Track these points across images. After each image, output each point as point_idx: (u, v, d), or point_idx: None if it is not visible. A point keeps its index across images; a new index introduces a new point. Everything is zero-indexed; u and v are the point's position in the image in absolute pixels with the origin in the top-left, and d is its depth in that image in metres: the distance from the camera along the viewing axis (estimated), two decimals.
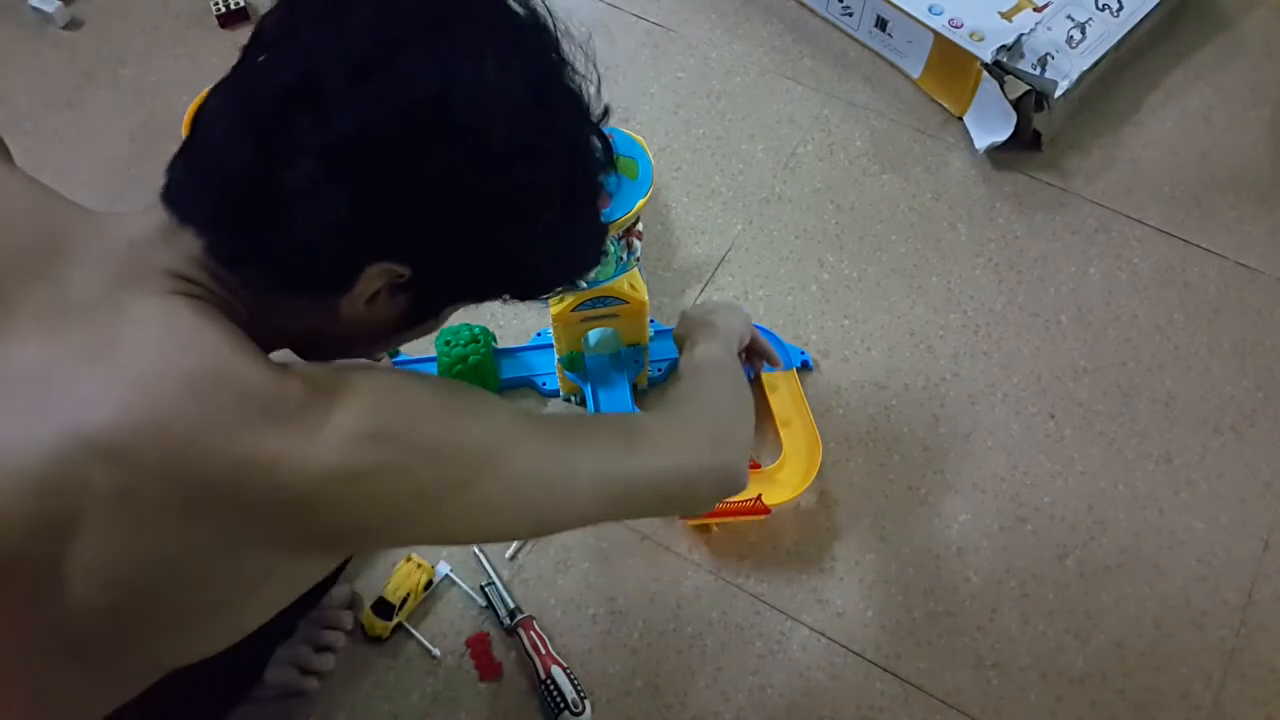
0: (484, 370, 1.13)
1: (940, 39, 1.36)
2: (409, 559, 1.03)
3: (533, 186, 0.58)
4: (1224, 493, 1.11)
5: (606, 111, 0.64)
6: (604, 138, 0.63)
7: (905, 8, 1.37)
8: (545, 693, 0.96)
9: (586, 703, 0.96)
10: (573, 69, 0.61)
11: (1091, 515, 1.09)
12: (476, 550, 1.06)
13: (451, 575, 1.05)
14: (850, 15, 1.47)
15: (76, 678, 0.57)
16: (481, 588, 1.04)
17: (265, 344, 0.60)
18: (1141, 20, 1.38)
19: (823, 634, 1.03)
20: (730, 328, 0.98)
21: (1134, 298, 1.25)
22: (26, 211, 0.60)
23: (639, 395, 1.16)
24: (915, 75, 1.43)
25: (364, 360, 0.71)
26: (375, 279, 0.58)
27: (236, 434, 0.53)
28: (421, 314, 0.64)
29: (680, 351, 0.98)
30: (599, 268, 0.94)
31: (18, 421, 0.52)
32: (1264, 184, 1.34)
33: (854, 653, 1.02)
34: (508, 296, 0.66)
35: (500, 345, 1.18)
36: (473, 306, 0.70)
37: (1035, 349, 1.21)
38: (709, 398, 0.85)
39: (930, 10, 1.37)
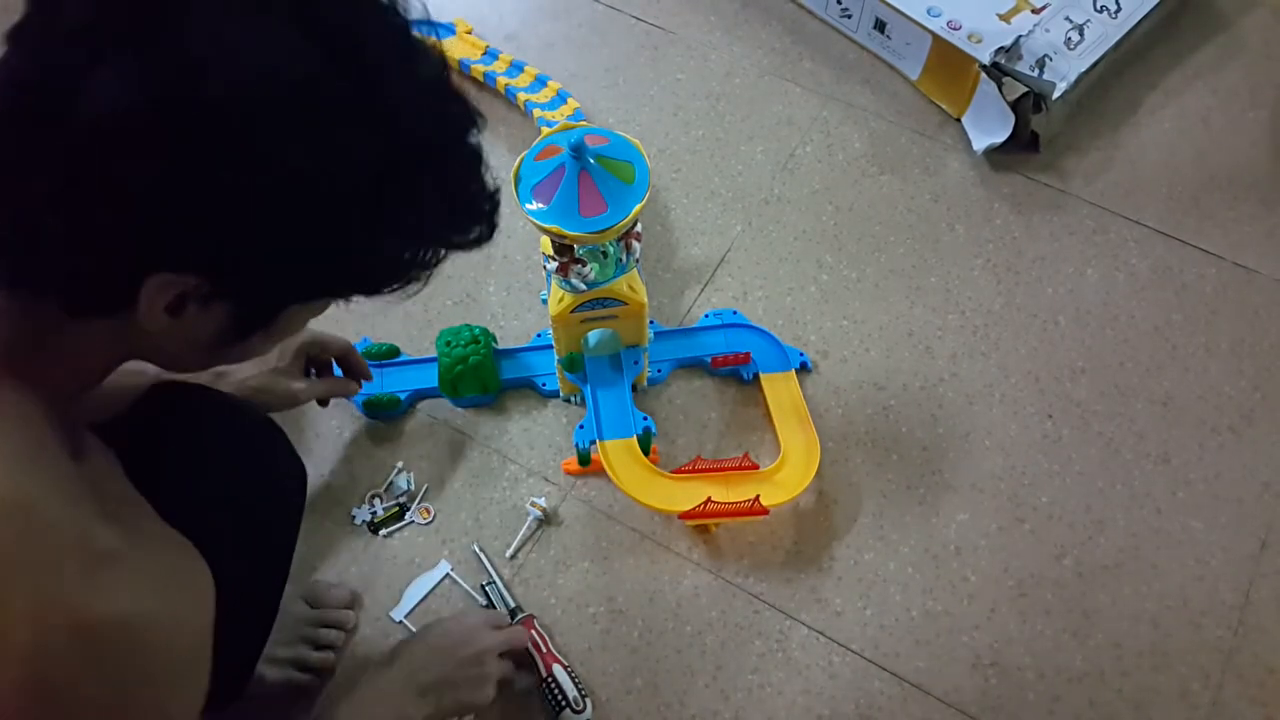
0: (484, 371, 1.13)
1: (938, 41, 1.36)
2: None
3: (319, 171, 0.49)
4: (1222, 493, 1.11)
5: (466, 104, 0.54)
6: (450, 92, 0.54)
7: (904, 9, 1.38)
8: (546, 691, 0.96)
9: (587, 701, 0.96)
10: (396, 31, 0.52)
11: (1089, 515, 1.10)
12: (476, 549, 1.07)
13: (452, 575, 1.06)
14: (849, 17, 1.48)
15: None
16: (482, 586, 1.04)
17: (92, 376, 0.57)
18: (1139, 22, 1.39)
19: (822, 633, 1.03)
20: (435, 686, 0.86)
21: (1132, 298, 1.25)
22: None
23: (638, 395, 1.17)
24: (914, 77, 1.44)
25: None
26: (159, 293, 0.51)
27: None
28: (253, 322, 0.57)
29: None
30: (599, 269, 0.95)
31: None
32: (1262, 185, 1.35)
33: (853, 652, 1.02)
34: (355, 296, 0.58)
35: (500, 346, 1.18)
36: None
37: (1033, 349, 1.21)
38: None
39: (929, 12, 1.37)
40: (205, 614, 0.56)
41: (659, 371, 1.18)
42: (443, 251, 0.59)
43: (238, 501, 0.73)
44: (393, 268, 0.58)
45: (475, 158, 0.57)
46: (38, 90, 0.46)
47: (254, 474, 0.79)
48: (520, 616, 1.01)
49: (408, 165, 0.52)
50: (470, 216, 0.58)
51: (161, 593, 0.52)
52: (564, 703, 0.95)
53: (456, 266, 1.27)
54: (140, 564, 0.52)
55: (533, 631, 1.00)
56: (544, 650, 0.98)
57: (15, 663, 0.47)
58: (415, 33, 0.52)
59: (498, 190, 0.59)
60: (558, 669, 0.97)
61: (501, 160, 1.38)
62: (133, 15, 0.46)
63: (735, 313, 1.22)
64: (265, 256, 0.52)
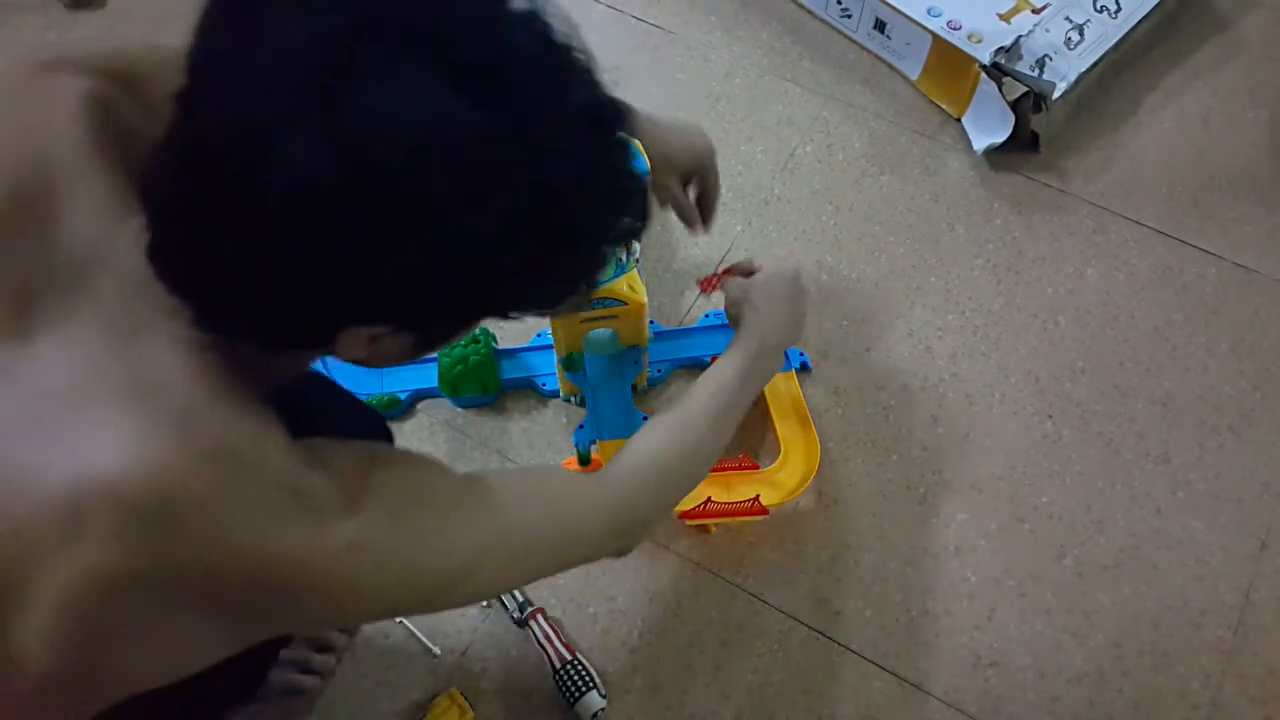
0: (484, 371, 1.13)
1: (939, 41, 1.36)
2: (451, 696, 0.98)
3: (491, 218, 0.50)
4: (1222, 493, 1.11)
5: (618, 113, 0.55)
6: (612, 141, 0.56)
7: (904, 9, 1.38)
8: (565, 678, 0.97)
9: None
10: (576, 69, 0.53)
11: (1089, 515, 1.10)
12: None
13: None
14: (849, 17, 1.48)
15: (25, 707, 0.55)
16: None
17: (284, 379, 0.60)
18: (1139, 22, 1.39)
19: (821, 633, 1.03)
20: (786, 331, 0.95)
21: (1132, 298, 1.25)
22: (76, 200, 0.56)
23: (638, 395, 1.17)
24: (914, 77, 1.44)
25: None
26: (355, 341, 0.55)
27: (246, 525, 0.52)
28: (431, 343, 0.61)
29: (733, 326, 0.96)
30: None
31: (20, 443, 0.51)
32: (1262, 185, 1.35)
33: (852, 651, 1.02)
34: (520, 314, 0.62)
35: (500, 346, 1.18)
36: None
37: (1033, 349, 1.21)
38: (662, 468, 0.81)
39: (929, 12, 1.37)
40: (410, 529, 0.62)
41: (659, 371, 1.18)
42: (602, 273, 0.65)
43: None
44: (562, 289, 0.62)
45: (631, 189, 0.60)
46: (229, 147, 0.47)
47: None
48: (530, 609, 1.01)
49: (573, 197, 0.54)
50: (624, 239, 0.62)
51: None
52: (589, 685, 0.96)
53: None
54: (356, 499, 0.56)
55: (545, 623, 1.00)
56: (558, 641, 0.99)
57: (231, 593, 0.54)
58: (562, 48, 0.52)
59: (647, 206, 0.62)
60: (580, 655, 0.98)
61: None
62: (305, 88, 0.46)
63: None
64: (450, 301, 0.55)
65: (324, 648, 0.99)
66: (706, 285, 1.05)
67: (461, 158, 0.48)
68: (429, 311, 0.55)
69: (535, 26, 0.52)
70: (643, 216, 0.62)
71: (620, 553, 0.81)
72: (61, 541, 0.49)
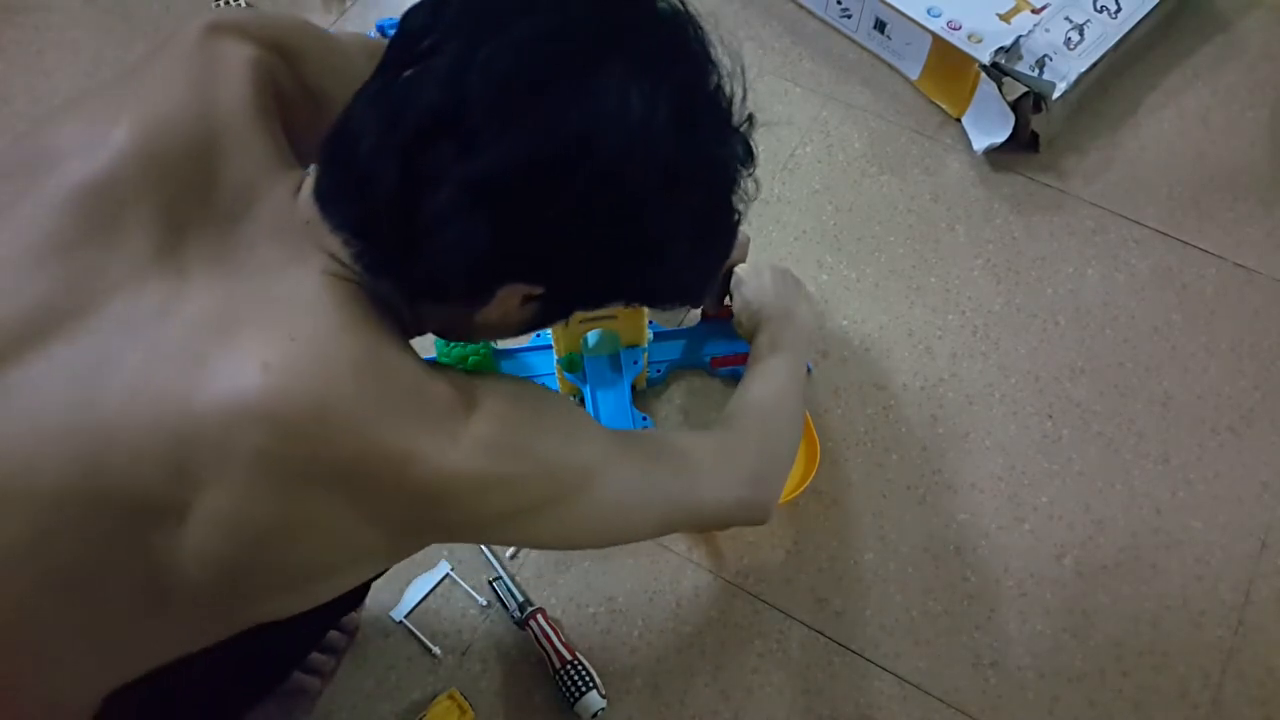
0: (483, 371, 1.13)
1: (938, 41, 1.36)
2: (451, 696, 0.98)
3: (670, 214, 0.59)
4: (1221, 493, 1.11)
5: (750, 120, 0.64)
6: (746, 143, 0.64)
7: (904, 9, 1.38)
8: (566, 677, 0.97)
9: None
10: (720, 83, 0.61)
11: (1089, 515, 1.10)
12: (483, 546, 1.07)
13: (452, 575, 1.06)
14: (849, 17, 1.48)
15: (151, 622, 0.58)
16: (490, 583, 1.04)
17: (408, 331, 0.64)
18: (1139, 22, 1.39)
19: (821, 633, 1.03)
20: (809, 327, 1.02)
21: (1132, 298, 1.25)
22: (236, 150, 0.61)
23: (638, 396, 1.17)
24: (914, 77, 1.44)
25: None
26: (510, 297, 0.60)
27: (388, 424, 0.56)
28: (550, 317, 0.67)
29: (747, 338, 1.00)
30: None
31: (179, 367, 0.54)
32: (1262, 185, 1.35)
33: (852, 651, 1.02)
34: (630, 303, 0.70)
35: (500, 346, 1.18)
36: None
37: (1033, 349, 1.21)
38: (769, 430, 0.88)
39: (929, 12, 1.37)
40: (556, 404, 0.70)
41: (659, 371, 1.18)
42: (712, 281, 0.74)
43: None
44: (688, 288, 0.69)
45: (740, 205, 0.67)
46: (445, 130, 0.54)
47: None
48: (530, 609, 1.01)
49: (720, 206, 0.64)
50: (730, 251, 0.72)
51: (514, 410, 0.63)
52: (589, 685, 0.96)
53: None
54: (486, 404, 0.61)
55: (545, 623, 1.00)
56: (559, 641, 0.99)
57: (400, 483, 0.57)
58: (722, 75, 0.62)
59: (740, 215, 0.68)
60: (580, 655, 0.98)
61: None
62: (533, 84, 0.54)
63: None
64: (604, 276, 0.62)
65: (324, 647, 0.99)
66: (716, 314, 1.10)
67: (653, 160, 0.56)
68: (582, 282, 0.62)
69: (710, 60, 0.62)
70: (733, 245, 0.71)
71: (752, 509, 0.84)
72: (217, 459, 0.53)
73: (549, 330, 1.10)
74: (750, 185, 0.66)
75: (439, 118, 0.54)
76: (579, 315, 1.02)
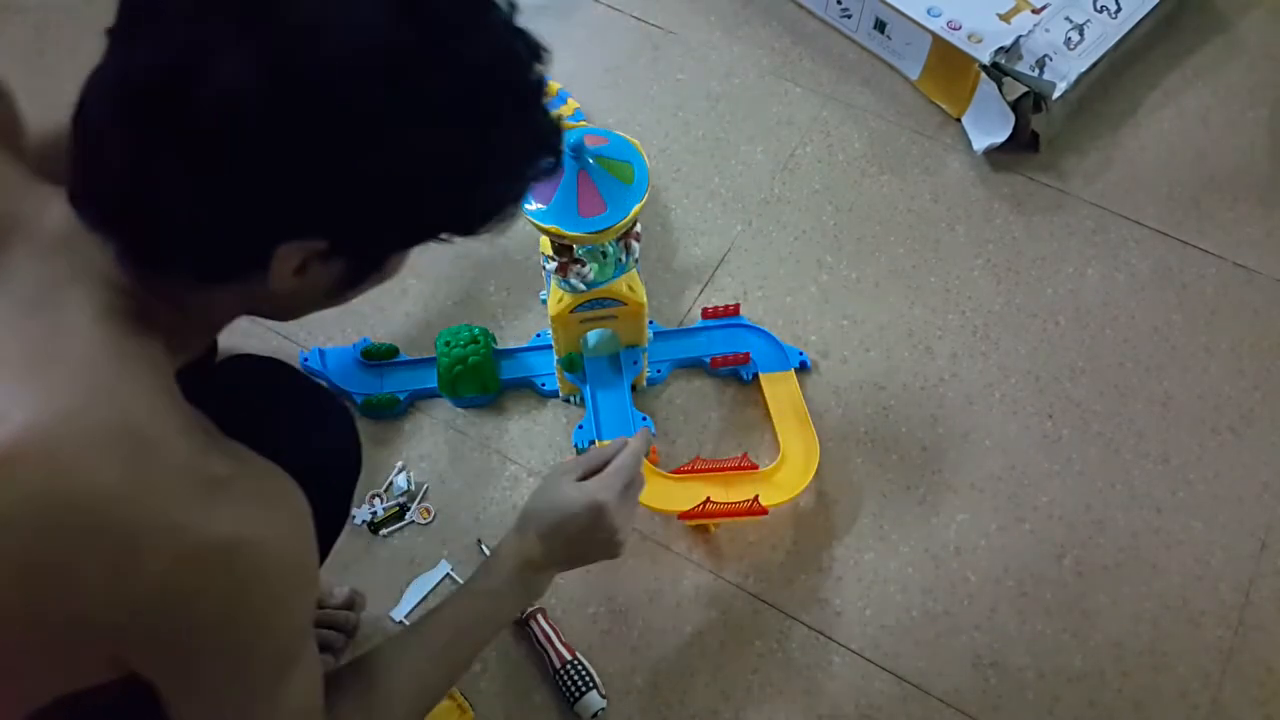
0: (483, 371, 1.13)
1: (939, 41, 1.36)
2: (450, 696, 0.97)
3: (421, 126, 0.53)
4: (1221, 493, 1.11)
5: (513, 6, 0.58)
6: (515, 31, 0.58)
7: (904, 9, 1.38)
8: (565, 678, 0.97)
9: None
10: None
11: (1089, 515, 1.10)
12: (483, 545, 1.07)
13: (452, 575, 1.06)
14: (849, 17, 1.48)
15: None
16: None
17: (213, 330, 0.61)
18: (1139, 22, 1.39)
19: (821, 633, 1.03)
20: (570, 561, 0.86)
21: (1132, 298, 1.25)
22: None
23: (638, 395, 1.17)
24: (914, 77, 1.44)
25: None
26: (290, 258, 0.54)
27: (157, 504, 0.51)
28: (364, 270, 0.61)
29: (536, 531, 0.83)
30: (598, 269, 0.95)
31: None
32: (1261, 185, 1.35)
33: (852, 652, 1.02)
34: (450, 236, 0.62)
35: (500, 346, 1.18)
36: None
37: (1033, 349, 1.21)
38: (389, 709, 0.74)
39: (929, 12, 1.37)
40: (307, 534, 0.60)
41: (659, 371, 1.18)
42: (527, 186, 0.63)
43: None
44: (489, 207, 0.61)
45: (542, 89, 0.60)
46: (160, 74, 0.49)
47: (308, 445, 0.78)
48: (530, 609, 1.01)
49: (495, 109, 0.56)
50: (546, 148, 0.62)
51: (268, 515, 0.56)
52: (589, 685, 0.96)
53: (456, 266, 1.27)
54: (247, 489, 0.55)
55: (545, 623, 1.00)
56: (558, 642, 0.99)
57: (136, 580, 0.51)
58: None
59: (560, 118, 0.63)
60: (580, 655, 0.98)
61: None
62: (233, 6, 0.49)
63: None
64: (381, 213, 0.56)
65: (324, 647, 0.99)
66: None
67: (386, 69, 0.50)
68: (357, 223, 0.55)
69: None
70: (559, 155, 0.63)
71: None
72: None
73: (549, 330, 1.10)
74: (535, 78, 0.58)
75: (147, 84, 0.50)
76: (579, 315, 1.02)
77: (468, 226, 0.62)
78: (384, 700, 0.73)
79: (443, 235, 0.61)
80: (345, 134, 0.51)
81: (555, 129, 0.62)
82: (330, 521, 0.85)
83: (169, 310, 0.58)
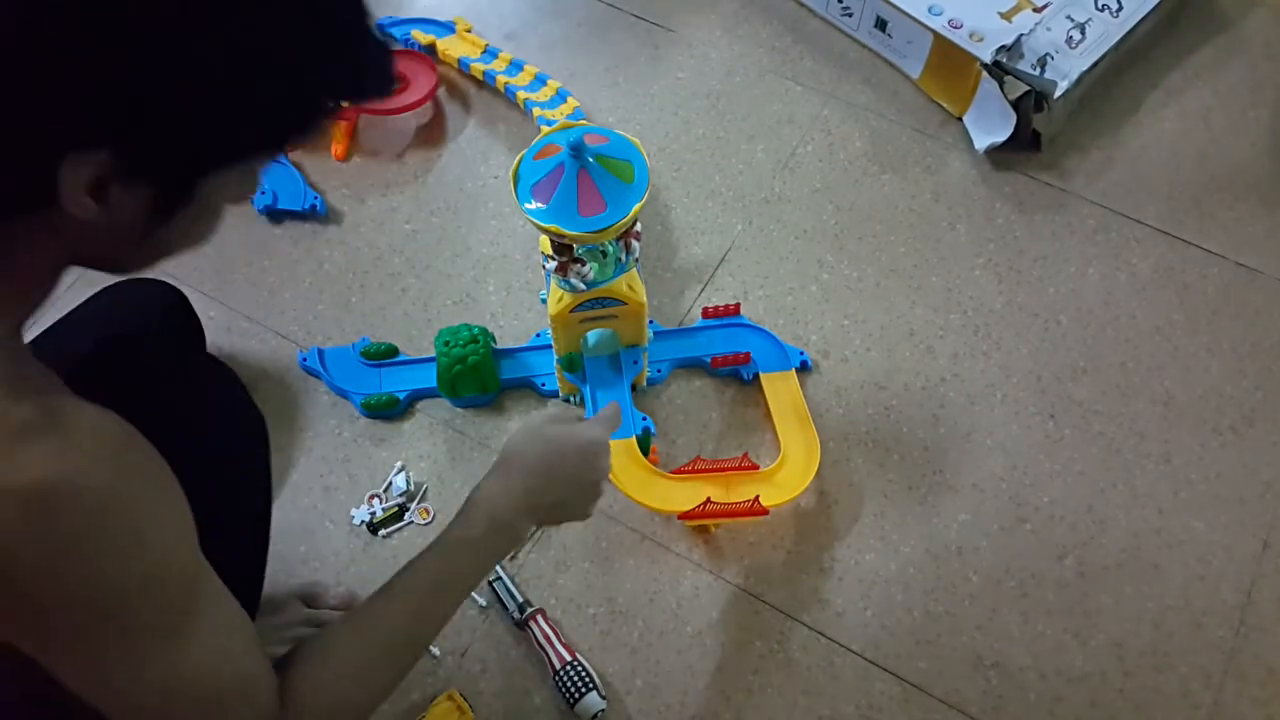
0: (483, 371, 1.13)
1: (940, 39, 1.36)
2: (451, 697, 0.97)
3: (203, 20, 0.49)
4: (1223, 493, 1.11)
5: None
6: None
7: (905, 8, 1.38)
8: (565, 678, 0.96)
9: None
10: None
11: (1091, 515, 1.09)
12: None
13: None
14: (850, 16, 1.47)
15: None
16: (489, 583, 1.04)
17: (36, 280, 0.57)
18: (1141, 21, 1.38)
19: (822, 634, 1.03)
20: (550, 508, 0.80)
21: (1133, 298, 1.25)
22: None
23: (638, 395, 1.16)
24: (915, 76, 1.44)
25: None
26: (75, 175, 0.50)
27: None
28: (174, 197, 0.56)
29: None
30: (598, 268, 0.94)
31: None
32: (1263, 184, 1.35)
33: (853, 652, 1.02)
34: (281, 145, 0.57)
35: (500, 346, 1.18)
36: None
37: (1034, 349, 1.21)
38: (369, 660, 0.72)
39: (930, 11, 1.37)
40: (144, 473, 0.56)
41: (659, 371, 1.18)
42: (342, 98, 0.58)
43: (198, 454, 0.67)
44: (291, 116, 0.56)
45: (361, 25, 0.56)
46: None
47: (210, 424, 0.76)
48: (530, 610, 1.01)
49: (288, 8, 0.52)
50: (356, 61, 0.57)
51: (87, 456, 0.52)
52: (589, 686, 0.96)
53: (457, 266, 1.27)
54: (59, 432, 0.52)
55: (545, 624, 1.00)
56: (558, 643, 0.98)
57: None
58: None
59: (385, 42, 0.59)
60: (580, 656, 0.98)
61: (501, 159, 1.38)
62: None
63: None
64: (166, 119, 0.51)
65: None
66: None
67: None
68: (140, 129, 0.51)
69: None
70: (380, 74, 0.59)
71: None
72: None
73: (549, 329, 1.10)
74: None
75: None
76: (579, 314, 1.02)
77: (259, 140, 0.57)
78: (352, 661, 0.70)
79: (247, 155, 0.57)
80: (94, 28, 0.47)
81: (371, 46, 0.56)
82: (248, 493, 0.81)
83: None
